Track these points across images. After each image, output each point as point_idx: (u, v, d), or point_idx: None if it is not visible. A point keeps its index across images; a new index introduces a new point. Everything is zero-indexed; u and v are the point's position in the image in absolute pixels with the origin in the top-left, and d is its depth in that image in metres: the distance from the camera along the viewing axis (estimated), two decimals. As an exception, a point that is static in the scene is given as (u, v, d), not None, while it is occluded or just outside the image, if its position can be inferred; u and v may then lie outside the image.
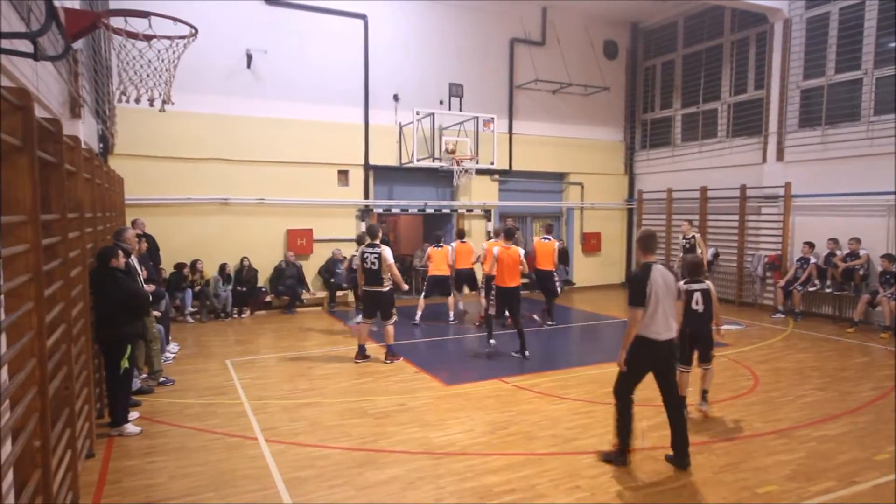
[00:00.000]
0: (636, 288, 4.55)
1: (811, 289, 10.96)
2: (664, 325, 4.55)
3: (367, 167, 12.74)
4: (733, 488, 4.32)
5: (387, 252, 7.75)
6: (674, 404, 4.69)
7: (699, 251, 11.15)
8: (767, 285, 12.24)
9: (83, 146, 4.88)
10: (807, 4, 11.61)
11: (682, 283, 5.48)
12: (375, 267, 7.70)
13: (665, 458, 4.76)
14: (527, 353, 8.06)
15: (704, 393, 5.89)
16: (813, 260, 10.98)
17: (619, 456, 4.73)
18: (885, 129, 10.26)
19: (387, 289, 7.80)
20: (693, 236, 11.54)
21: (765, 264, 12.14)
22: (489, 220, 14.20)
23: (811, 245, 11.05)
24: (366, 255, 7.77)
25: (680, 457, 4.65)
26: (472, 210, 14.01)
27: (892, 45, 10.30)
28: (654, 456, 4.88)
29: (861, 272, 10.26)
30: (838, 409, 6.07)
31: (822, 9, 11.37)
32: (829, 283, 10.80)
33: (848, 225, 10.63)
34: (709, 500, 4.16)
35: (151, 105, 5.65)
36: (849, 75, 10.99)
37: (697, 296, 5.60)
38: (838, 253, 10.58)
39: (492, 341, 8.38)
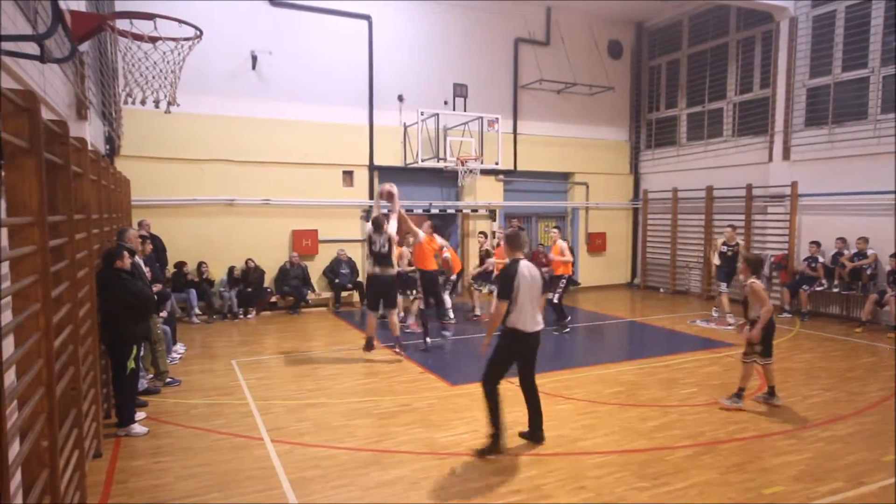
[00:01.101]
0: (504, 282, 4.84)
1: (818, 288, 10.90)
2: (531, 317, 4.83)
3: (372, 168, 12.76)
4: (740, 489, 4.30)
5: (392, 229, 8.01)
6: (530, 389, 5.11)
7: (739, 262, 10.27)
8: (774, 285, 12.17)
9: (89, 148, 4.90)
10: (813, 3, 11.55)
11: (755, 279, 5.92)
12: (385, 250, 7.93)
13: (519, 435, 5.13)
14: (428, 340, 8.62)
15: (772, 388, 6.12)
16: (820, 259, 10.92)
17: (493, 445, 4.85)
18: (892, 128, 10.19)
19: (394, 272, 8.25)
20: (737, 243, 10.68)
21: (771, 264, 12.08)
22: (493, 220, 14.19)
23: (818, 244, 11.00)
24: (373, 239, 7.97)
25: (534, 431, 5.10)
26: (476, 210, 14.01)
27: (899, 42, 10.24)
28: (661, 457, 4.86)
29: (868, 271, 10.19)
30: (846, 409, 6.03)
31: (829, 7, 11.31)
32: (836, 282, 10.74)
33: (855, 224, 10.57)
34: (715, 500, 4.14)
35: (157, 106, 5.68)
36: (855, 73, 10.93)
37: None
38: (846, 252, 10.52)
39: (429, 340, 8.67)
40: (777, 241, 12.19)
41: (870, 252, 10.16)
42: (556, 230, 10.69)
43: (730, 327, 10.03)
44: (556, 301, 9.72)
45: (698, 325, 10.48)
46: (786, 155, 12.04)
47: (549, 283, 9.94)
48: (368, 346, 8.06)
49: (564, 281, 9.87)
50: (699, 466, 4.66)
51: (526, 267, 4.87)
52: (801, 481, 4.41)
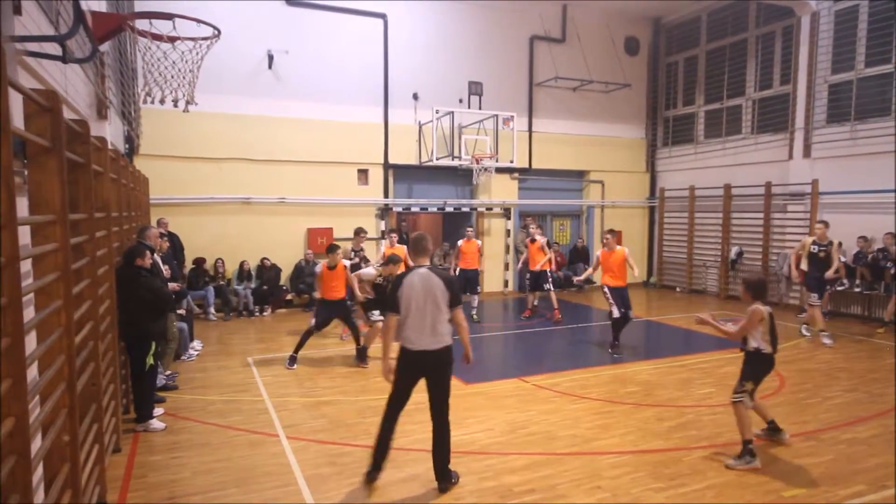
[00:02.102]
0: (389, 294, 4.32)
1: (839, 288, 10.70)
2: (417, 333, 4.16)
3: (387, 166, 12.79)
4: (759, 492, 4.24)
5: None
6: (435, 419, 4.28)
7: (835, 264, 8.85)
8: (793, 285, 11.98)
9: (110, 147, 4.97)
10: (835, -3, 11.34)
11: (759, 305, 4.70)
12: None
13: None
14: None
15: (773, 422, 5.13)
16: (842, 259, 10.70)
17: (370, 472, 4.29)
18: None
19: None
20: (830, 242, 9.03)
21: (790, 263, 11.88)
22: (509, 218, 14.15)
23: (839, 244, 10.77)
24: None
25: (438, 470, 4.27)
26: (491, 208, 13.98)
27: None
28: (677, 457, 4.81)
29: (892, 271, 9.98)
30: (868, 411, 5.92)
31: (852, 2, 11.08)
32: (858, 281, 10.54)
33: (878, 223, 10.35)
34: (733, 503, 4.09)
35: (175, 106, 5.75)
36: (879, 69, 10.70)
37: (774, 320, 4.82)
38: (871, 251, 10.27)
39: None
40: (797, 240, 11.97)
41: (894, 248, 9.95)
42: (536, 227, 10.89)
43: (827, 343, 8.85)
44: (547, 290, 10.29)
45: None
46: (806, 152, 11.84)
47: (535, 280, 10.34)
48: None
49: (548, 275, 10.47)
50: (716, 468, 4.61)
51: (419, 277, 4.17)
52: (821, 484, 4.34)
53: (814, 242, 9.16)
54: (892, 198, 10.29)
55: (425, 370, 4.26)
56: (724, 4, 13.56)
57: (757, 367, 4.80)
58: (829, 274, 8.88)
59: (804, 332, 9.44)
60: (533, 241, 10.79)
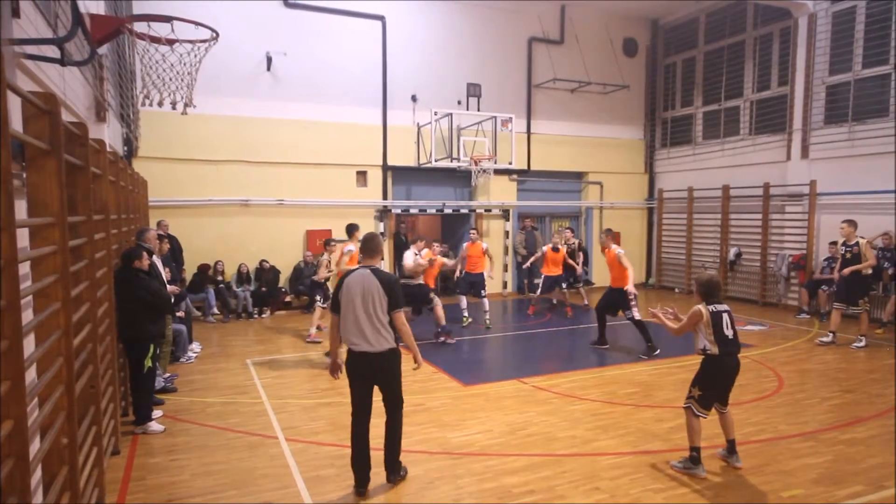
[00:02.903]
0: (333, 294, 4.43)
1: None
2: (357, 335, 4.17)
3: (386, 168, 12.79)
4: (757, 491, 4.25)
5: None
6: (388, 419, 4.36)
7: (870, 260, 8.50)
8: (792, 285, 12.01)
9: (108, 149, 4.97)
10: (832, -2, 11.38)
11: (702, 305, 4.57)
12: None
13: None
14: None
15: (732, 443, 4.72)
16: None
17: (356, 488, 4.25)
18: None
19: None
20: (857, 242, 8.59)
21: (789, 264, 11.91)
22: (507, 219, 14.16)
23: (837, 244, 10.79)
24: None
25: (386, 469, 4.38)
26: (490, 210, 13.99)
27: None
28: (675, 458, 4.80)
29: (891, 271, 10.00)
30: (867, 411, 5.93)
31: (849, 3, 11.12)
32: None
33: (876, 224, 10.34)
34: (732, 503, 4.09)
35: (174, 108, 5.75)
36: (877, 70, 10.73)
37: (726, 318, 4.54)
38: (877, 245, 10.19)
39: None
40: (795, 241, 12.02)
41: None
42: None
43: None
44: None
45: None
46: (804, 153, 11.86)
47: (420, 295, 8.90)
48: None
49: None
50: (715, 469, 4.61)
51: (359, 278, 4.19)
52: (820, 484, 4.34)
53: (843, 243, 8.84)
54: (890, 198, 10.31)
55: (370, 372, 4.26)
56: (722, 6, 13.59)
57: (706, 370, 4.54)
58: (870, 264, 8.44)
59: (830, 339, 8.88)
60: (556, 249, 11.05)
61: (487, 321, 10.31)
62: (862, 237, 8.65)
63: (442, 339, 8.88)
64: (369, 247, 4.41)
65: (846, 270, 8.57)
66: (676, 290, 14.75)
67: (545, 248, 11.30)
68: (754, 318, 10.86)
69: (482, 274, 10.40)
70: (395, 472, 4.40)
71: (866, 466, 4.65)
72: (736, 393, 6.37)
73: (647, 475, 4.52)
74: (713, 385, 4.54)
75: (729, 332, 4.50)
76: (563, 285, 11.44)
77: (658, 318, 4.87)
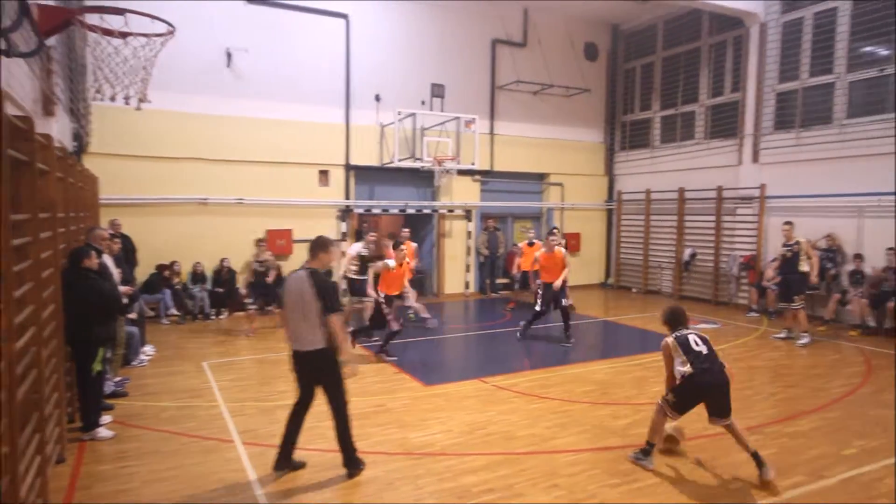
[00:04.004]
0: (280, 293, 4.66)
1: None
2: (292, 333, 4.39)
3: (348, 167, 12.69)
4: (707, 484, 4.40)
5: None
6: (336, 417, 4.52)
7: (804, 266, 8.81)
8: (742, 285, 12.46)
9: (56, 144, 4.78)
10: (782, 9, 11.84)
11: (668, 336, 4.69)
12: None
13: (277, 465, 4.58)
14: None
15: (756, 456, 4.42)
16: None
17: (276, 463, 4.51)
18: (856, 132, 10.51)
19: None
20: (797, 242, 8.95)
21: (740, 264, 12.36)
22: (470, 220, 14.24)
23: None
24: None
25: (346, 464, 4.53)
26: (453, 210, 14.03)
27: (867, 49, 10.56)
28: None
29: (832, 271, 10.49)
30: (809, 405, 6.21)
31: (797, 13, 11.60)
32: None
33: (820, 226, 10.86)
34: (683, 496, 4.23)
35: (127, 103, 5.58)
36: (822, 79, 11.23)
37: (693, 336, 4.62)
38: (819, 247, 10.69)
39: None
40: (746, 242, 12.48)
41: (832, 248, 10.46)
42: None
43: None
44: None
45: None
46: (755, 158, 12.32)
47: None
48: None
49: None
50: (668, 463, 4.75)
51: (295, 279, 4.36)
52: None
53: (783, 244, 9.24)
54: (832, 202, 10.82)
55: (306, 370, 4.46)
56: (680, 13, 13.99)
57: (682, 385, 4.56)
58: (813, 278, 8.84)
59: (785, 335, 9.25)
60: (531, 244, 11.23)
61: (411, 315, 10.54)
62: (800, 239, 9.10)
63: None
64: (314, 248, 4.51)
65: (813, 278, 8.90)
66: (634, 290, 15.11)
67: (521, 245, 11.68)
68: (708, 317, 11.22)
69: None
70: (351, 466, 4.54)
71: (808, 457, 4.87)
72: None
73: (604, 471, 4.62)
74: (685, 398, 4.55)
75: (699, 348, 4.55)
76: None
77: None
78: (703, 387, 4.48)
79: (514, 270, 12.14)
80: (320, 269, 4.45)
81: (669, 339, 4.67)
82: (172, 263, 10.83)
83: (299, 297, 4.29)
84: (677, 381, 4.61)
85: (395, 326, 8.01)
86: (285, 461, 4.54)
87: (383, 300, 8.02)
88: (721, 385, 4.51)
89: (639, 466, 4.64)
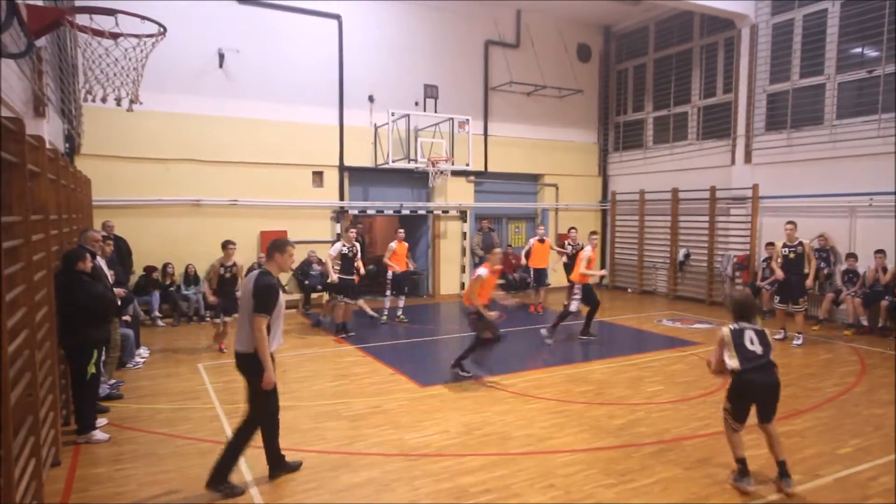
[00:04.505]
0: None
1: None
2: (237, 335, 4.31)
3: (342, 168, 12.67)
4: (703, 483, 4.41)
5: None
6: (243, 423, 4.33)
7: (812, 262, 8.95)
8: (736, 285, 12.51)
9: (48, 146, 4.75)
10: (772, 10, 11.92)
11: (726, 327, 4.51)
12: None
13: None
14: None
15: (782, 465, 4.37)
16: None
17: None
18: (846, 133, 10.59)
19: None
20: (800, 243, 8.91)
21: (734, 264, 12.42)
22: (465, 221, 14.25)
23: (775, 245, 11.31)
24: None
25: (212, 473, 4.23)
26: (447, 211, 14.03)
27: (856, 50, 10.65)
28: (627, 454, 4.95)
29: (826, 271, 10.56)
30: (803, 404, 6.24)
31: (787, 15, 11.69)
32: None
33: (812, 226, 10.92)
34: (679, 495, 4.24)
35: (118, 104, 5.55)
36: (812, 80, 11.31)
37: (750, 334, 4.42)
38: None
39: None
40: (739, 242, 12.54)
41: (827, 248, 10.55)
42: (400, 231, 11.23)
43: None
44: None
45: (664, 323, 10.70)
46: (747, 158, 12.39)
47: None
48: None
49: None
50: (664, 463, 4.77)
51: (248, 280, 4.32)
52: (761, 475, 4.54)
53: (784, 244, 9.17)
54: (823, 202, 10.90)
55: (239, 370, 4.35)
56: (671, 15, 14.06)
57: (732, 386, 4.45)
58: (809, 282, 8.93)
59: (783, 335, 9.20)
60: (542, 241, 11.82)
61: (401, 316, 10.70)
62: (804, 241, 9.07)
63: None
64: (267, 250, 4.46)
65: (809, 282, 8.97)
66: (629, 290, 15.15)
67: (532, 241, 11.96)
68: (702, 317, 11.27)
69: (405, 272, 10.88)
70: (213, 482, 4.19)
71: (803, 456, 4.89)
72: (683, 389, 6.65)
73: (601, 471, 4.63)
74: (737, 399, 4.41)
75: (753, 347, 4.36)
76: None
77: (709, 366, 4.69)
78: (750, 386, 4.32)
79: (523, 262, 12.32)
80: (275, 271, 4.34)
81: (725, 331, 4.47)
82: (166, 265, 10.77)
83: (246, 296, 4.24)
84: (727, 375, 4.46)
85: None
86: (275, 468, 4.46)
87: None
88: (770, 386, 4.34)
89: (738, 489, 4.33)
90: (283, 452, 4.55)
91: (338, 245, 9.69)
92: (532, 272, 12.05)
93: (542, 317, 11.34)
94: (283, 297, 4.35)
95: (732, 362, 4.36)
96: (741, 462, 4.39)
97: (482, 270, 7.27)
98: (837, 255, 10.62)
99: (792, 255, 8.99)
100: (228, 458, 4.25)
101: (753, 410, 4.38)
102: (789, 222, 9.27)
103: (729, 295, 4.85)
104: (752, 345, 4.36)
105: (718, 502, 4.15)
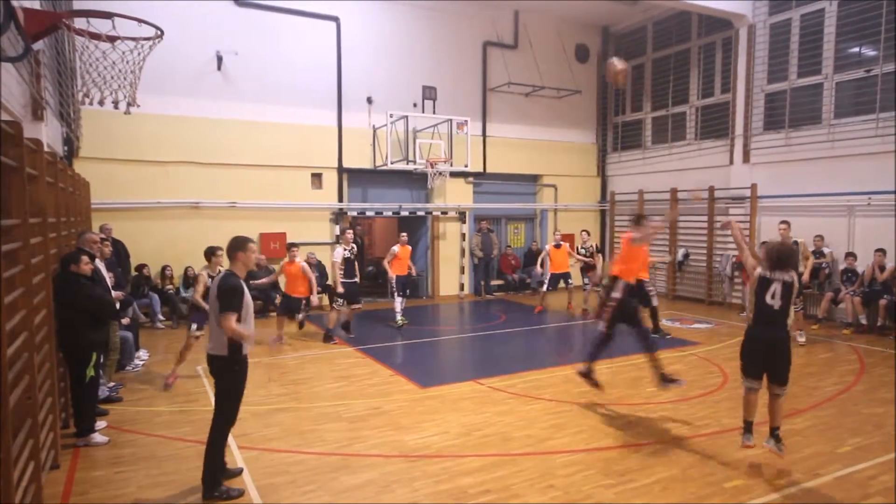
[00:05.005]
0: None
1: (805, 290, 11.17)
2: (209, 338, 4.27)
3: (341, 170, 12.68)
4: (702, 483, 4.41)
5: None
6: (211, 427, 4.24)
7: (808, 262, 9.35)
8: (735, 284, 12.52)
9: (46, 149, 4.75)
10: (770, 10, 11.94)
11: (759, 268, 4.51)
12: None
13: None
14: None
15: (774, 430, 4.59)
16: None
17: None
18: (844, 132, 10.60)
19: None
20: (795, 242, 8.60)
21: (733, 264, 12.42)
22: (464, 222, 14.26)
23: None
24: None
25: (203, 480, 4.20)
26: (446, 212, 14.04)
27: (853, 50, 10.67)
28: (626, 454, 4.95)
29: (826, 270, 10.56)
30: (803, 403, 6.24)
31: (785, 15, 11.70)
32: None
33: (811, 225, 10.94)
34: (678, 495, 4.24)
35: (116, 107, 5.56)
36: (810, 80, 11.33)
37: (776, 287, 4.32)
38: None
39: None
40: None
41: (826, 251, 10.54)
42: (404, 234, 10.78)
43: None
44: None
45: (663, 324, 10.69)
46: (746, 158, 12.40)
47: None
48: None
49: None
50: (663, 463, 4.76)
51: (213, 283, 4.31)
52: (760, 474, 4.55)
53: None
54: (822, 202, 10.91)
55: (211, 372, 4.27)
56: (669, 15, 14.08)
57: (743, 340, 4.57)
58: (805, 277, 8.99)
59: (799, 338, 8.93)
60: (558, 246, 11.68)
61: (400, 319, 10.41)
62: (798, 240, 9.01)
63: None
64: (227, 251, 4.41)
65: (805, 278, 8.96)
66: (628, 290, 15.13)
67: (548, 247, 11.88)
68: (701, 317, 11.27)
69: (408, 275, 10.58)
70: (206, 488, 4.14)
71: (803, 456, 4.89)
72: (682, 389, 6.62)
73: (600, 471, 4.63)
74: (744, 355, 4.54)
75: (773, 302, 4.34)
76: (570, 283, 11.90)
77: (731, 227, 4.91)
78: (756, 340, 4.43)
79: (539, 269, 12.27)
80: (241, 271, 4.31)
81: (759, 272, 4.49)
82: (164, 268, 10.77)
83: (213, 299, 4.21)
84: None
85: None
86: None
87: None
88: (775, 341, 4.40)
89: (744, 446, 4.68)
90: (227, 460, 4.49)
91: (339, 250, 9.51)
92: (550, 277, 11.77)
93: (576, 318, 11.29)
94: (249, 298, 4.27)
95: (749, 314, 4.50)
96: (747, 423, 4.55)
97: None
98: (834, 260, 10.57)
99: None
100: (212, 464, 4.20)
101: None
102: (783, 222, 9.32)
103: (766, 244, 4.80)
104: (773, 298, 4.35)
105: (717, 502, 4.15)
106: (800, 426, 5.58)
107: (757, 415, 4.77)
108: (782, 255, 4.46)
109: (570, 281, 11.97)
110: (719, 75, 13.24)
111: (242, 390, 4.32)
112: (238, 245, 4.37)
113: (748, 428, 4.69)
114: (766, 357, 4.47)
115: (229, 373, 4.20)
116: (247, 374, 4.32)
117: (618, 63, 6.76)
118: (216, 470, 4.22)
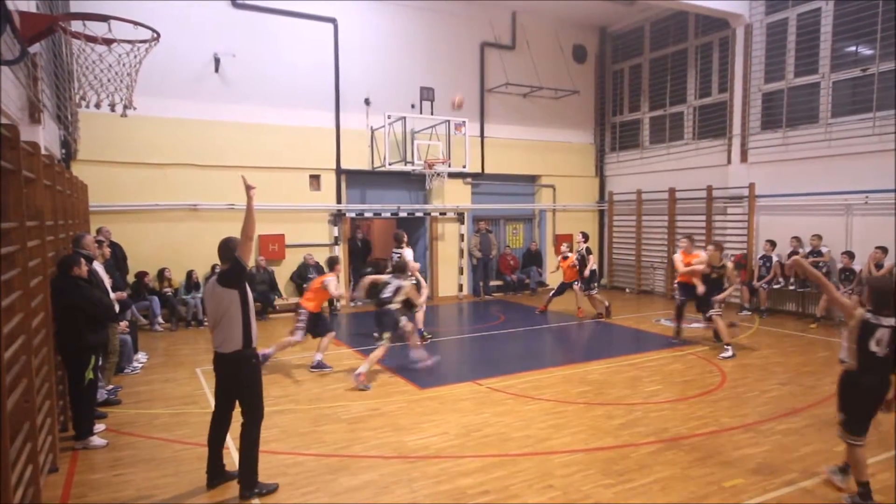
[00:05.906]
0: None
1: (776, 286, 11.28)
2: (213, 336, 4.27)
3: (339, 171, 12.68)
4: (701, 483, 4.42)
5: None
6: (244, 437, 4.25)
7: (733, 281, 8.77)
8: (735, 284, 12.51)
9: (43, 152, 4.75)
10: (767, 10, 11.96)
11: (862, 311, 3.97)
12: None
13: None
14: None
15: (847, 467, 4.23)
16: (776, 258, 11.30)
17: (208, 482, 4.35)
18: (842, 131, 10.62)
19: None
20: (724, 265, 8.75)
21: (731, 263, 12.40)
22: (462, 222, 14.26)
23: (773, 243, 11.37)
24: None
25: (240, 484, 4.23)
26: (445, 213, 14.04)
27: (850, 49, 10.69)
28: (625, 454, 4.95)
29: (823, 269, 10.57)
30: (801, 402, 6.25)
31: (781, 14, 11.73)
32: (792, 280, 11.12)
33: (809, 224, 10.98)
34: (677, 495, 4.24)
35: (112, 110, 5.55)
36: (807, 79, 11.35)
37: (883, 333, 3.86)
38: (801, 251, 10.89)
39: None
40: (737, 241, 12.56)
41: (824, 250, 10.56)
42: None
43: None
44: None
45: (662, 323, 10.71)
46: (743, 157, 12.42)
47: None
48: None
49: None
50: (662, 462, 4.77)
51: (209, 281, 4.38)
52: (759, 473, 4.55)
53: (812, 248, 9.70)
54: (819, 200, 10.93)
55: (222, 375, 4.29)
56: (666, 15, 14.10)
57: (842, 387, 4.04)
58: (723, 296, 8.68)
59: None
60: (566, 258, 11.54)
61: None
62: (727, 263, 8.92)
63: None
64: (218, 254, 4.40)
65: (791, 262, 8.81)
66: (627, 290, 15.16)
67: (558, 259, 11.81)
68: (700, 317, 11.26)
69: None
70: (247, 487, 4.20)
71: (801, 455, 4.90)
72: (681, 388, 6.65)
73: (599, 471, 4.63)
74: (855, 405, 3.97)
75: (877, 349, 3.85)
76: (579, 286, 11.54)
77: (803, 266, 4.27)
78: (865, 390, 3.95)
79: (554, 271, 12.18)
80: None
81: (860, 314, 3.92)
82: (163, 270, 10.76)
83: (211, 297, 4.27)
84: (840, 363, 4.04)
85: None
86: (212, 479, 4.39)
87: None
88: (880, 392, 3.98)
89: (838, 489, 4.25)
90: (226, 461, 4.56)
91: (333, 279, 7.84)
92: (560, 285, 11.59)
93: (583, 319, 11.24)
94: (251, 297, 4.37)
95: (849, 361, 3.97)
96: (863, 485, 3.92)
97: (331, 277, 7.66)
98: (832, 260, 10.57)
99: (714, 276, 8.71)
100: (255, 462, 4.27)
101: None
102: (713, 243, 9.10)
103: (867, 279, 4.42)
104: (878, 346, 3.86)
105: (717, 502, 4.16)
106: (798, 425, 5.59)
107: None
108: (885, 294, 3.89)
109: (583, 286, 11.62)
110: (717, 75, 13.26)
111: (261, 381, 4.35)
112: (225, 249, 4.45)
113: (867, 493, 3.97)
114: (873, 406, 3.96)
115: (248, 366, 4.22)
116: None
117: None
118: (257, 468, 4.28)
